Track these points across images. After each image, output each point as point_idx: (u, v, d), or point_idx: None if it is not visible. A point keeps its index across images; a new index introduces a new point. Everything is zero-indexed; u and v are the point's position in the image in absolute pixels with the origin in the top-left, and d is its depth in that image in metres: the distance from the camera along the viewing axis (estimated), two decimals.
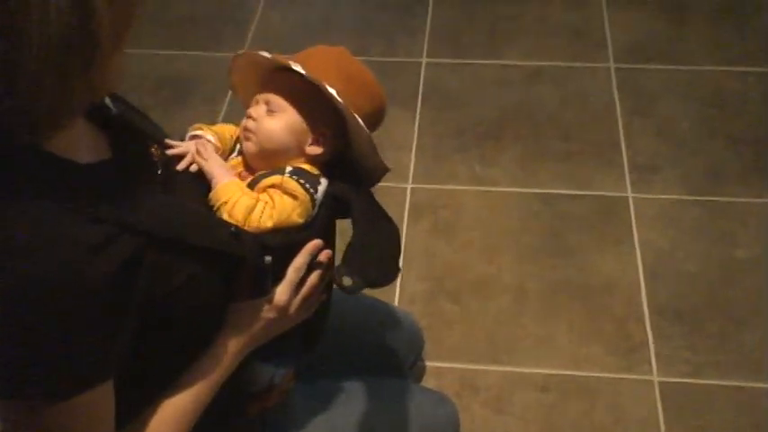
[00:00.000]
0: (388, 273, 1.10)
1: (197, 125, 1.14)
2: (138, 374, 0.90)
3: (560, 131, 2.42)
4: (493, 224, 2.18)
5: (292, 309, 1.04)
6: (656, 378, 1.85)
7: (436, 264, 2.08)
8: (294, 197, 1.04)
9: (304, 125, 1.09)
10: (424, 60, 2.67)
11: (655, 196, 2.22)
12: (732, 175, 2.26)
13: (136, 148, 0.97)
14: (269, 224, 1.01)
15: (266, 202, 1.02)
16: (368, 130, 1.07)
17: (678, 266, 2.06)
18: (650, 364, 1.87)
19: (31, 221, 0.76)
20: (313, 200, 1.06)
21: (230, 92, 2.54)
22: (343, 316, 1.26)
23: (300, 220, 1.04)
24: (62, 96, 0.74)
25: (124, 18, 0.76)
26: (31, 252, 0.75)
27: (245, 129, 1.10)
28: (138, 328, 0.85)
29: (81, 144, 0.85)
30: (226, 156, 1.13)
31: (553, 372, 1.87)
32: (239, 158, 1.13)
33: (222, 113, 2.50)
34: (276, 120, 1.09)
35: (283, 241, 1.02)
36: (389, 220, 1.13)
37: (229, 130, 1.16)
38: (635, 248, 2.10)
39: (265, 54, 1.09)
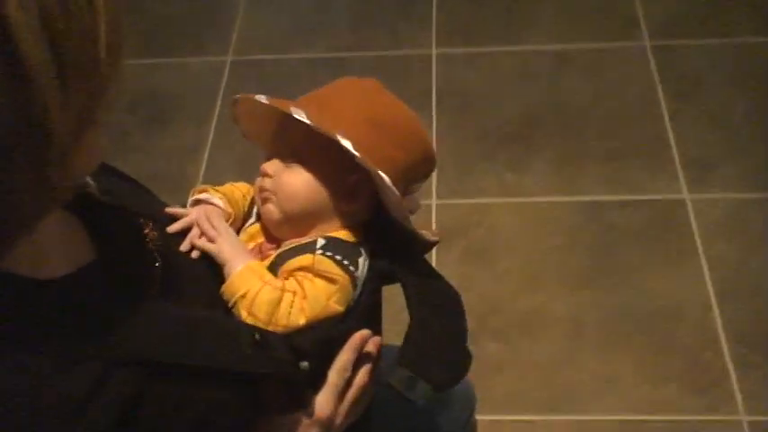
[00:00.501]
0: (458, 370, 0.91)
1: (200, 187, 0.95)
2: None
3: (597, 127, 2.13)
4: (533, 243, 1.90)
5: (339, 419, 0.87)
6: (744, 417, 1.59)
7: (474, 297, 1.80)
8: (330, 280, 0.86)
9: (331, 175, 0.90)
10: (435, 52, 2.37)
11: (715, 196, 1.94)
12: None
13: (127, 237, 0.79)
14: (301, 321, 0.83)
15: (294, 293, 0.84)
16: (396, 191, 0.86)
17: (753, 280, 1.80)
18: (735, 400, 1.61)
19: None
20: (354, 280, 0.88)
21: (218, 106, 2.26)
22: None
23: (340, 309, 0.86)
24: (8, 206, 0.55)
25: (90, 100, 0.56)
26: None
27: (262, 189, 0.92)
28: None
29: (52, 251, 0.67)
30: (239, 224, 0.95)
31: (625, 418, 1.61)
32: (258, 225, 0.94)
33: (211, 134, 2.20)
34: (297, 173, 0.90)
35: (321, 339, 0.84)
36: (448, 289, 0.94)
37: (241, 190, 0.98)
38: (700, 261, 1.83)
39: (262, 99, 0.90)
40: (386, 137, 0.89)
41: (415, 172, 0.93)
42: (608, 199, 1.97)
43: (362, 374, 0.89)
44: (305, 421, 0.84)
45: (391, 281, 0.92)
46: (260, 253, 0.92)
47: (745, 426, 1.58)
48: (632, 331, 1.73)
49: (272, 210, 0.91)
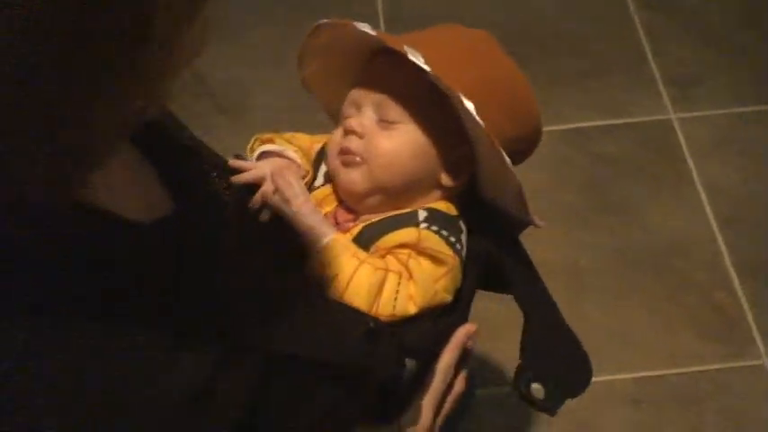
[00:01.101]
0: (587, 372, 0.82)
1: (265, 135, 0.80)
2: None
3: (569, 45, 1.91)
4: None
5: (435, 429, 0.76)
6: (767, 361, 1.45)
7: None
8: (438, 262, 0.73)
9: (439, 142, 0.76)
10: None
11: (704, 113, 1.77)
12: None
13: (203, 186, 0.66)
14: (411, 309, 0.71)
15: (400, 274, 0.71)
16: (511, 166, 0.73)
17: (755, 203, 1.65)
18: (756, 343, 1.47)
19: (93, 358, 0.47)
20: (462, 262, 0.76)
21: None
22: None
23: (449, 297, 0.75)
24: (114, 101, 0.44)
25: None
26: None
27: (346, 151, 0.76)
28: None
29: (126, 190, 0.54)
30: (308, 185, 0.79)
31: (641, 374, 1.45)
32: (328, 189, 0.79)
33: None
34: (399, 136, 0.75)
35: (429, 333, 0.73)
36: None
37: (305, 142, 0.82)
38: (696, 187, 1.66)
39: (366, 29, 0.73)
40: (499, 104, 0.74)
41: (517, 149, 0.78)
42: (590, 125, 1.77)
43: (460, 381, 0.78)
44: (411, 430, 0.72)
45: (493, 270, 0.79)
46: (335, 225, 0.76)
47: None
48: (637, 274, 1.56)
49: (357, 178, 0.75)
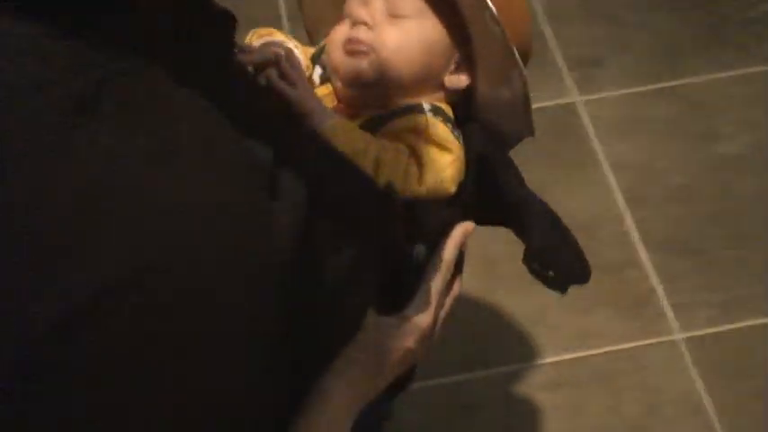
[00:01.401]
0: (585, 262, 0.88)
1: (265, 29, 0.81)
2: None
3: None
4: None
5: (436, 332, 0.77)
6: (678, 336, 1.47)
7: None
8: (445, 149, 0.74)
9: (448, 40, 0.77)
10: None
11: (608, 94, 1.78)
12: (687, 48, 1.85)
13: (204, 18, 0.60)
14: (422, 190, 0.73)
15: (410, 156, 0.73)
16: (521, 64, 0.76)
17: (661, 181, 1.66)
18: (667, 318, 1.48)
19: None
20: (463, 156, 0.77)
21: None
22: None
23: (453, 189, 0.76)
24: None
25: None
26: (179, 199, 0.42)
27: (353, 40, 0.76)
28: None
29: None
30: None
31: (558, 358, 1.46)
32: (328, 88, 0.80)
33: None
34: (410, 30, 0.76)
35: (440, 218, 0.74)
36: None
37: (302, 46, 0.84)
38: (603, 168, 1.67)
39: None
40: (510, 5, 0.75)
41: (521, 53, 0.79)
42: None
43: (458, 283, 0.79)
44: (403, 330, 0.71)
45: (486, 174, 0.79)
46: None
47: (682, 345, 1.46)
48: None
49: (364, 67, 0.76)
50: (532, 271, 0.82)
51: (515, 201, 0.81)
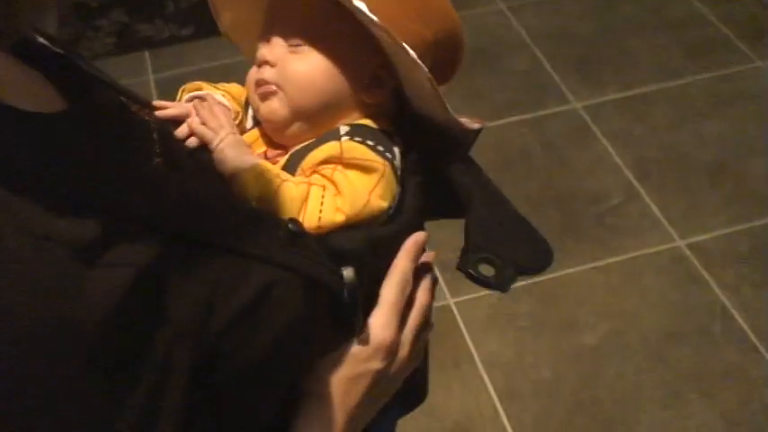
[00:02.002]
0: (541, 252, 0.76)
1: (193, 84, 0.78)
2: None
3: None
4: None
5: (404, 348, 0.68)
6: None
7: None
8: (366, 170, 0.69)
9: (350, 58, 0.73)
10: None
11: (477, 294, 1.91)
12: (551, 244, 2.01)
13: (104, 98, 0.61)
14: (337, 218, 0.66)
15: (324, 187, 0.68)
16: (424, 67, 0.68)
17: (530, 375, 1.77)
18: None
19: None
20: (395, 169, 0.71)
21: None
22: None
23: (385, 204, 0.69)
24: None
25: None
26: None
27: (261, 82, 0.73)
28: (186, 397, 0.49)
29: (16, 86, 0.50)
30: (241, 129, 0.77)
31: None
32: (256, 131, 0.76)
33: None
34: (308, 59, 0.72)
35: (363, 239, 0.66)
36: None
37: (237, 90, 0.79)
38: (477, 366, 1.79)
39: None
40: (410, 8, 0.72)
41: (441, 58, 0.75)
42: None
43: (423, 292, 0.71)
44: (363, 353, 0.64)
45: (433, 175, 0.74)
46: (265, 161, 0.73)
47: None
48: None
49: (276, 107, 0.73)
50: (473, 274, 0.72)
51: (464, 189, 0.75)
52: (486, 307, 1.90)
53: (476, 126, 0.75)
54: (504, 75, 2.45)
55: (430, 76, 0.69)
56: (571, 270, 1.95)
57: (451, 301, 1.90)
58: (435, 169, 0.74)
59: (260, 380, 0.57)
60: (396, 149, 0.73)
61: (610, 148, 2.24)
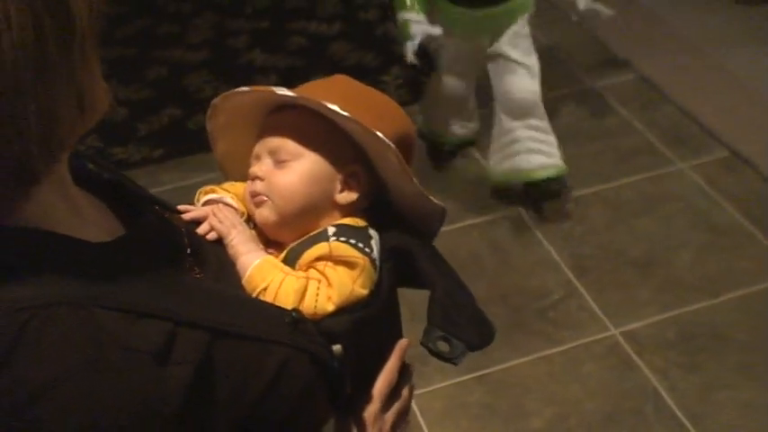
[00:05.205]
0: (486, 332, 0.92)
1: (207, 188, 0.93)
2: None
3: None
4: None
5: (386, 425, 0.85)
6: None
7: None
8: (351, 265, 0.84)
9: (327, 168, 0.89)
10: None
11: (435, 387, 2.09)
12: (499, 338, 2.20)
13: (152, 218, 0.75)
14: (329, 308, 0.81)
15: (319, 281, 0.82)
16: (392, 145, 0.85)
17: None
18: None
19: (58, 335, 0.54)
20: (373, 261, 0.86)
21: None
22: None
23: (365, 292, 0.84)
24: (48, 105, 0.55)
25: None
26: (72, 385, 0.54)
27: (254, 194, 0.89)
28: None
29: (85, 216, 0.65)
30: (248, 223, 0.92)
31: None
32: (254, 231, 0.90)
33: None
34: (290, 171, 0.88)
35: (350, 321, 0.81)
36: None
37: (241, 189, 0.94)
38: None
39: (244, 88, 0.88)
40: (369, 112, 0.87)
41: (402, 145, 0.90)
42: None
43: (407, 389, 0.89)
44: (355, 419, 0.81)
45: (404, 261, 0.90)
46: None
47: None
48: None
49: (267, 214, 0.88)
50: (432, 349, 0.87)
51: (424, 275, 0.90)
52: (442, 398, 2.07)
53: (440, 204, 0.93)
54: (455, 182, 2.70)
55: (396, 151, 0.86)
56: (518, 361, 2.14)
57: None
58: (405, 258, 0.90)
59: None
60: (372, 242, 0.87)
61: (551, 249, 2.46)
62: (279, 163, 0.89)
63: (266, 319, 0.71)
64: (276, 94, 0.87)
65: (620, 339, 2.17)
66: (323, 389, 0.77)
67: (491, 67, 2.49)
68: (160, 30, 3.71)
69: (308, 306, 0.80)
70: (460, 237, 2.51)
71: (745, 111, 2.88)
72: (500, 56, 2.45)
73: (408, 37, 2.28)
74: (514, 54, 2.42)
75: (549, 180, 2.50)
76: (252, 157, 0.92)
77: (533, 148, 2.45)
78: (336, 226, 0.87)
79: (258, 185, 0.89)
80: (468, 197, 2.65)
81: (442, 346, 0.87)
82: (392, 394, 0.87)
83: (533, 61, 2.45)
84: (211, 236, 0.86)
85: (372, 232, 0.89)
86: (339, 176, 0.90)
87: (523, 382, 2.10)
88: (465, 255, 2.44)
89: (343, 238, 0.85)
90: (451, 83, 2.59)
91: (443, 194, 2.63)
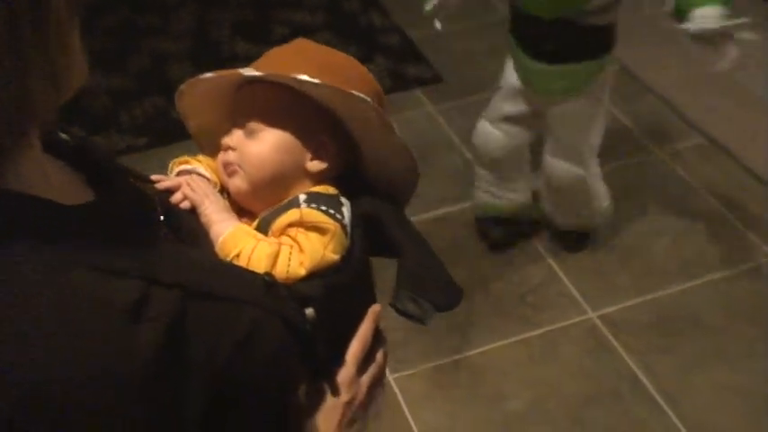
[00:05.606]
0: (455, 293, 0.94)
1: (181, 159, 0.94)
2: None
3: None
4: None
5: (362, 389, 0.85)
6: None
7: None
8: (322, 231, 0.86)
9: (298, 136, 0.91)
10: None
11: (416, 370, 2.12)
12: (474, 323, 2.24)
13: (124, 185, 0.75)
14: (301, 272, 0.83)
15: (291, 246, 0.84)
16: (368, 98, 0.87)
17: None
18: None
19: (43, 288, 0.56)
20: (344, 227, 0.88)
21: None
22: None
23: (336, 257, 0.86)
24: (20, 83, 0.55)
25: None
26: (50, 332, 0.55)
27: (226, 164, 0.91)
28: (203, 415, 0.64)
29: (52, 182, 0.64)
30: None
31: None
32: (227, 202, 0.91)
33: None
34: (261, 141, 0.90)
35: (321, 285, 0.83)
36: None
37: (214, 162, 0.95)
38: None
39: (208, 75, 0.90)
40: (337, 75, 0.88)
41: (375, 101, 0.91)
42: None
43: (381, 354, 0.89)
44: (329, 402, 0.81)
45: (375, 227, 0.92)
46: None
47: None
48: None
49: (239, 183, 0.90)
50: (401, 309, 0.90)
51: (395, 241, 0.92)
52: (423, 381, 2.09)
53: (415, 160, 0.95)
54: (434, 171, 2.72)
55: (376, 105, 0.87)
56: (497, 344, 2.17)
57: (391, 377, 2.09)
58: (375, 225, 0.92)
59: (257, 401, 0.70)
60: (344, 209, 0.89)
61: (531, 233, 2.49)
62: (250, 134, 0.91)
63: (239, 282, 0.71)
64: (244, 75, 0.89)
65: (598, 323, 2.20)
66: (296, 353, 0.77)
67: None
68: (143, 20, 3.71)
69: (280, 271, 0.82)
70: (440, 223, 2.53)
71: (723, 100, 2.92)
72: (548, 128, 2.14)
73: None
74: (559, 129, 2.10)
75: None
76: (224, 132, 0.94)
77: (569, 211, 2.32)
78: (307, 193, 0.89)
79: (230, 155, 0.91)
80: (448, 184, 2.67)
81: (411, 307, 0.89)
82: (366, 359, 0.88)
83: (590, 145, 2.14)
84: (185, 205, 0.87)
85: (343, 200, 0.91)
86: (310, 145, 0.91)
87: (502, 365, 2.13)
88: (446, 241, 2.46)
89: (314, 205, 0.87)
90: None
91: (424, 181, 2.65)
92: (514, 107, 2.13)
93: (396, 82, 3.20)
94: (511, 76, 2.12)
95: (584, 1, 1.85)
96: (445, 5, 2.01)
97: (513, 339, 2.18)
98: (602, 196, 2.29)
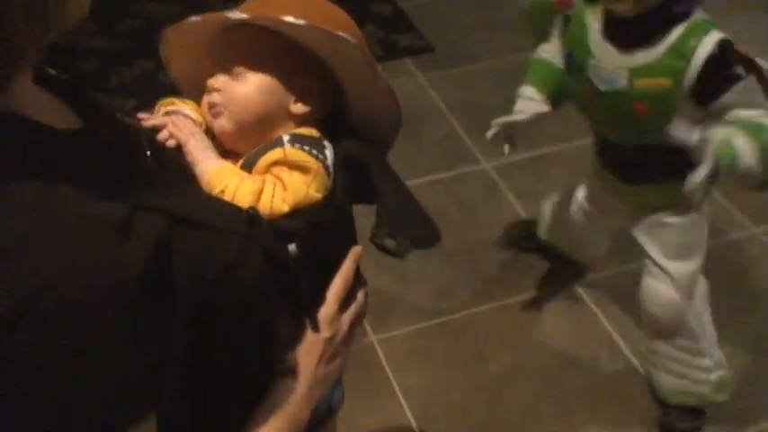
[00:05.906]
0: (433, 232, 0.97)
1: (167, 100, 0.96)
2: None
3: None
4: None
5: (344, 326, 0.88)
6: None
7: None
8: (305, 170, 0.88)
9: (282, 78, 0.92)
10: None
11: (398, 332, 2.15)
12: (456, 288, 2.28)
13: (108, 116, 0.75)
14: (284, 208, 0.85)
15: (274, 183, 0.86)
16: (352, 39, 0.88)
17: (444, 401, 2.00)
18: None
19: (31, 203, 0.58)
20: (326, 167, 0.90)
21: None
22: None
23: (319, 195, 0.89)
24: (6, 28, 0.56)
25: None
26: (46, 243, 0.57)
27: (211, 105, 0.93)
28: (189, 343, 0.66)
29: (42, 107, 0.64)
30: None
31: None
32: (211, 143, 0.93)
33: None
34: (246, 82, 0.92)
35: (304, 221, 0.86)
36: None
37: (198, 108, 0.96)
38: (397, 396, 2.00)
39: (194, 18, 0.91)
40: (322, 19, 0.89)
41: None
42: None
43: (362, 293, 0.92)
44: (310, 337, 0.83)
45: (356, 170, 0.94)
46: None
47: None
48: None
49: (224, 123, 0.92)
50: (379, 244, 0.92)
51: (375, 179, 0.94)
52: (405, 343, 2.13)
53: (398, 104, 0.96)
54: (423, 140, 2.74)
55: (361, 45, 0.89)
56: (479, 308, 2.20)
57: (374, 338, 2.13)
58: (358, 168, 0.94)
59: (240, 329, 0.72)
60: (327, 151, 0.91)
61: (516, 203, 2.52)
62: (235, 76, 0.92)
63: (225, 213, 0.73)
64: (230, 18, 0.90)
65: (580, 290, 2.24)
66: (278, 287, 0.78)
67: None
68: None
69: (263, 206, 0.84)
70: (427, 191, 2.56)
71: None
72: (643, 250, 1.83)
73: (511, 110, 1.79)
74: (651, 251, 1.80)
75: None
76: (206, 77, 0.95)
77: (672, 369, 1.85)
78: (291, 134, 0.91)
79: (215, 96, 0.92)
80: (437, 153, 2.70)
81: (389, 243, 0.91)
82: (348, 298, 0.90)
83: (685, 270, 1.76)
84: (170, 143, 0.89)
85: (326, 142, 0.93)
86: (294, 87, 0.93)
87: (484, 328, 2.16)
88: (432, 209, 2.46)
89: (297, 145, 0.89)
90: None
91: (413, 149, 2.68)
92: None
93: (386, 51, 3.21)
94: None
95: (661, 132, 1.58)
96: (512, 127, 1.78)
97: (496, 304, 2.22)
98: None
